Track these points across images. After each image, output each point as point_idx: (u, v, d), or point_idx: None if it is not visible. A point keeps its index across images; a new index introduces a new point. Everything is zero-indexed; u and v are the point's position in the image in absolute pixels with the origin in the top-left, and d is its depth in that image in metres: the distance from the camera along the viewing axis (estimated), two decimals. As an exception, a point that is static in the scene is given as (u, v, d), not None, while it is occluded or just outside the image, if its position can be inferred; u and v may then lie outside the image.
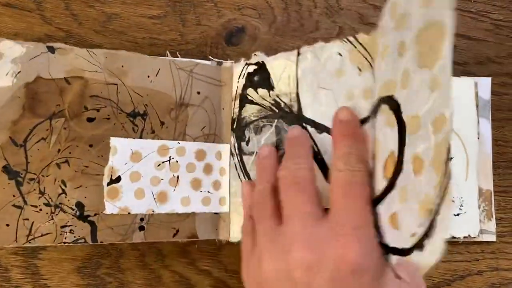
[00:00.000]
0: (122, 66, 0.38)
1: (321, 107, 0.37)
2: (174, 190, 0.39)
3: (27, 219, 0.34)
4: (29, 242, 0.34)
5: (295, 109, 0.38)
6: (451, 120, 0.24)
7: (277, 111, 0.40)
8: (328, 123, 0.36)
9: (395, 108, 0.28)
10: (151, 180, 0.38)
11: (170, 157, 0.39)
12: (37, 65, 0.36)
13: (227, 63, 0.43)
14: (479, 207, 0.44)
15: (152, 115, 0.39)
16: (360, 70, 0.34)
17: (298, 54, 0.39)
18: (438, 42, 0.24)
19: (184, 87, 0.40)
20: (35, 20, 0.41)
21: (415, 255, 0.25)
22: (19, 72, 0.35)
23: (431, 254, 0.24)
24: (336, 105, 0.35)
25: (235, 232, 0.40)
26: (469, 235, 0.44)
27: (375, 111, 0.31)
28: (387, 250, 0.27)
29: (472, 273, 0.45)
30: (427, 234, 0.24)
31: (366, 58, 0.34)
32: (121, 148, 0.38)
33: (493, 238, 0.45)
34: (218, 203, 0.40)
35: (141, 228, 0.38)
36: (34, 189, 0.35)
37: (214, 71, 0.42)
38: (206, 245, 0.42)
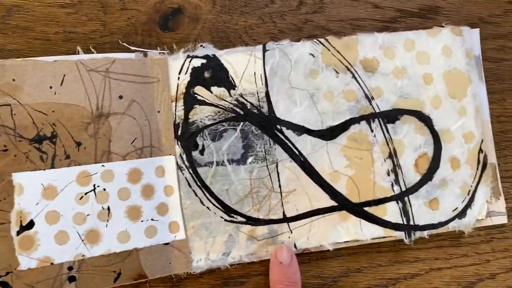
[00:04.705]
0: (14, 80, 0.30)
1: (297, 108, 0.35)
2: (106, 225, 0.31)
3: None
4: None
5: (264, 110, 0.35)
6: (479, 135, 0.37)
7: (241, 112, 0.34)
8: (307, 124, 0.35)
9: (426, 121, 0.37)
10: (74, 218, 0.30)
11: (94, 185, 0.31)
12: None
13: (156, 54, 0.34)
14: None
15: (63, 135, 0.31)
16: (337, 72, 0.36)
17: (265, 49, 0.35)
18: (463, 86, 0.37)
19: (100, 93, 0.32)
20: None
21: (454, 223, 0.36)
22: None
23: (470, 218, 0.37)
24: (314, 106, 0.35)
25: (199, 260, 0.33)
26: (476, 219, 0.37)
27: (393, 117, 0.37)
28: (416, 229, 0.36)
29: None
30: (468, 206, 0.37)
31: (341, 62, 0.36)
32: (28, 185, 0.30)
33: (504, 220, 0.38)
34: (168, 231, 0.33)
35: (71, 279, 0.30)
36: None
37: (138, 65, 0.33)
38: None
